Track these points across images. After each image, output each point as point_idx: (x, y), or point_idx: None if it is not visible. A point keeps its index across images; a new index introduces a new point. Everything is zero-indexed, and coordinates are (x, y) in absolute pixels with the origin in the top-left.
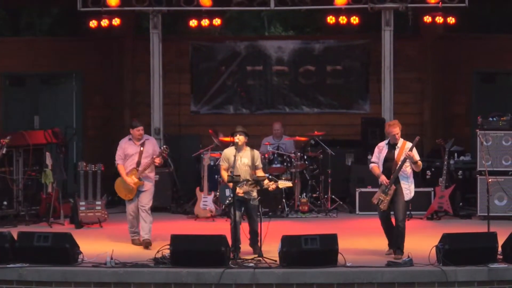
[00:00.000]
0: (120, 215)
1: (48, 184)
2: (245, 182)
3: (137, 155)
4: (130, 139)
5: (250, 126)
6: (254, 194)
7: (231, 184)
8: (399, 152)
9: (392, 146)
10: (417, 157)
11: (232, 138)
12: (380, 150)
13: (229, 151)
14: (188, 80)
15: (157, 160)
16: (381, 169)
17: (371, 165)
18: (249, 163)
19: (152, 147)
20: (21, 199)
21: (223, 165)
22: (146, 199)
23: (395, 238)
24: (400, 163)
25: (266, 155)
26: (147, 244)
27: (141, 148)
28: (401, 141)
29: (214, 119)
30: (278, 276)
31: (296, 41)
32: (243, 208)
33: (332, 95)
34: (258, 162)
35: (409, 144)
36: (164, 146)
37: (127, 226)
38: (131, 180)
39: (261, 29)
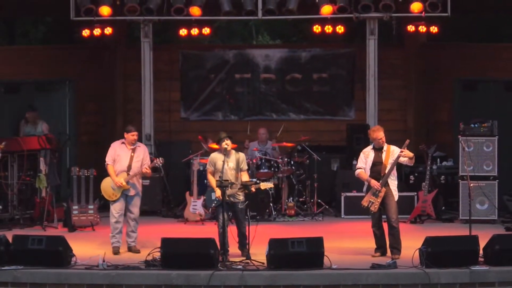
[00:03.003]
0: None
1: (42, 188)
2: (230, 185)
3: (127, 159)
4: (123, 143)
5: (238, 132)
6: (241, 197)
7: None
8: (386, 156)
9: (378, 150)
10: (411, 153)
11: (218, 145)
12: (367, 156)
13: (216, 156)
14: (178, 87)
15: (148, 170)
16: (368, 173)
17: (358, 171)
18: (234, 167)
19: (143, 154)
20: (15, 203)
21: (209, 169)
22: (136, 208)
23: (392, 238)
24: (390, 165)
25: (254, 160)
26: (137, 251)
27: (132, 154)
28: (385, 145)
29: (203, 125)
30: (266, 278)
31: (283, 50)
32: (230, 212)
33: (318, 102)
34: (243, 164)
35: (394, 147)
36: (160, 158)
37: None
38: (119, 180)
39: (249, 38)
